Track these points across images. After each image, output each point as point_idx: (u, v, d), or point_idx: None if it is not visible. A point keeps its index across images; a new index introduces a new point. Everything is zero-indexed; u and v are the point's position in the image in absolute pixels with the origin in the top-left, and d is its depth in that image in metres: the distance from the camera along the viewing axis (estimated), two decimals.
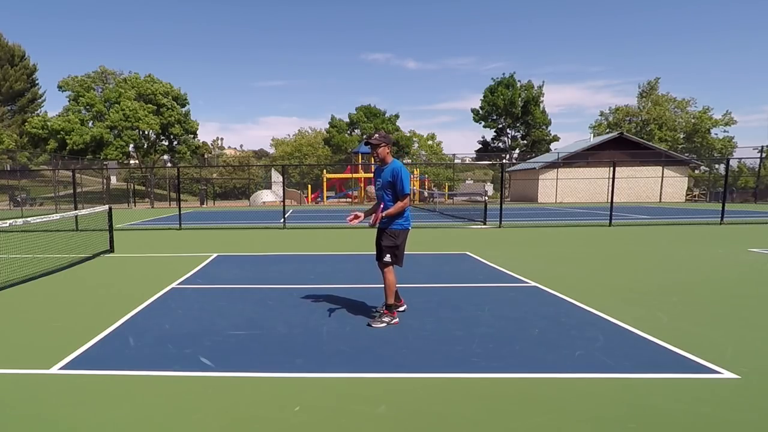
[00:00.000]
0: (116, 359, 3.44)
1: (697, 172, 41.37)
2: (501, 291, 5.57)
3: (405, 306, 4.60)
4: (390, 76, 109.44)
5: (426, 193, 32.00)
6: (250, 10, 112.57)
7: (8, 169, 37.66)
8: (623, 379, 3.02)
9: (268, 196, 33.20)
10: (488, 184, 45.76)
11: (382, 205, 4.16)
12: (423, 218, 17.80)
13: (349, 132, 53.70)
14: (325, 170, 37.20)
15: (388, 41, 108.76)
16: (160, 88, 43.56)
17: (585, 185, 32.03)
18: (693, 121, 47.96)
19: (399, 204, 4.13)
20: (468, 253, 8.50)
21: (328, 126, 54.59)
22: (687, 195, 33.87)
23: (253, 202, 33.18)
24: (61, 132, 38.82)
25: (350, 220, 4.22)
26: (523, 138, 52.23)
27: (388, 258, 4.18)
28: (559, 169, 33.33)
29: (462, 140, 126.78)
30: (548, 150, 48.10)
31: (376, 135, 4.21)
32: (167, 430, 2.49)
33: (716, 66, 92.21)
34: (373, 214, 4.15)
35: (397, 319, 4.29)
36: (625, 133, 36.97)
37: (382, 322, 4.18)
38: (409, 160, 50.83)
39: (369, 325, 4.18)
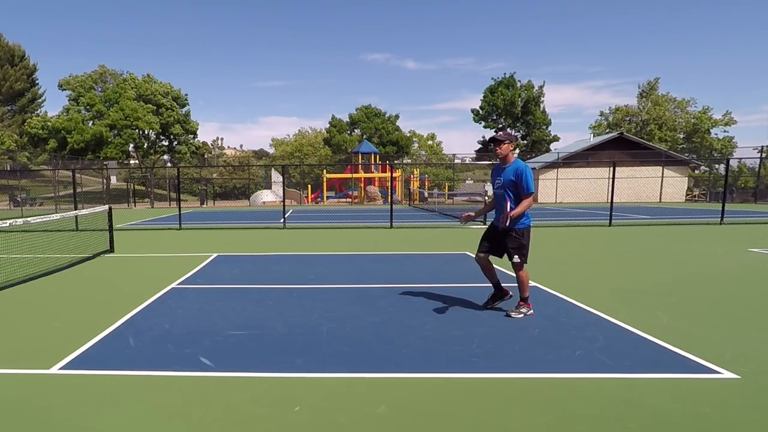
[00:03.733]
0: (116, 359, 3.44)
1: (697, 172, 41.37)
2: None
3: (510, 294, 4.68)
4: (389, 77, 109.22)
5: (426, 194, 32.00)
6: (250, 10, 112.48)
7: (8, 169, 37.63)
8: (623, 379, 3.02)
9: (268, 196, 33.20)
10: (488, 184, 45.74)
11: (509, 205, 4.17)
12: (423, 218, 17.80)
13: (349, 132, 53.71)
14: (325, 170, 37.21)
15: (387, 41, 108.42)
16: (159, 88, 43.61)
17: (585, 185, 32.02)
18: (693, 121, 47.98)
19: (524, 203, 4.19)
20: (468, 253, 8.49)
21: (328, 125, 54.63)
22: (687, 195, 33.87)
23: (253, 202, 33.18)
24: (62, 131, 38.85)
25: (465, 218, 4.65)
26: (523, 138, 52.25)
27: (517, 259, 4.30)
28: (559, 169, 33.33)
29: (462, 140, 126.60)
30: (548, 150, 48.12)
31: (501, 132, 4.37)
32: (167, 430, 2.49)
33: (716, 66, 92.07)
34: (502, 216, 4.18)
35: (533, 311, 4.46)
36: (625, 133, 36.97)
37: (520, 312, 4.40)
38: (409, 160, 50.86)
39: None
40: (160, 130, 43.60)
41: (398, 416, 2.59)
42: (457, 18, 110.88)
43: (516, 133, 52.32)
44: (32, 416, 2.65)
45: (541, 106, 50.92)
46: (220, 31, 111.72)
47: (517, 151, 49.93)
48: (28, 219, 6.28)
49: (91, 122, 41.60)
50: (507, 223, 4.10)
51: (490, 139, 4.40)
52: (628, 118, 50.54)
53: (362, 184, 34.31)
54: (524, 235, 4.31)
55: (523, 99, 49.81)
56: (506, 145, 4.30)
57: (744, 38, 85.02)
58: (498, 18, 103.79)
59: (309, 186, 39.74)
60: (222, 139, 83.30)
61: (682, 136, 48.99)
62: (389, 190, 18.04)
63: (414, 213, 21.72)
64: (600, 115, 54.35)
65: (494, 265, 7.34)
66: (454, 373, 3.14)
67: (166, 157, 45.58)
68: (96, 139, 39.22)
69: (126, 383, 3.05)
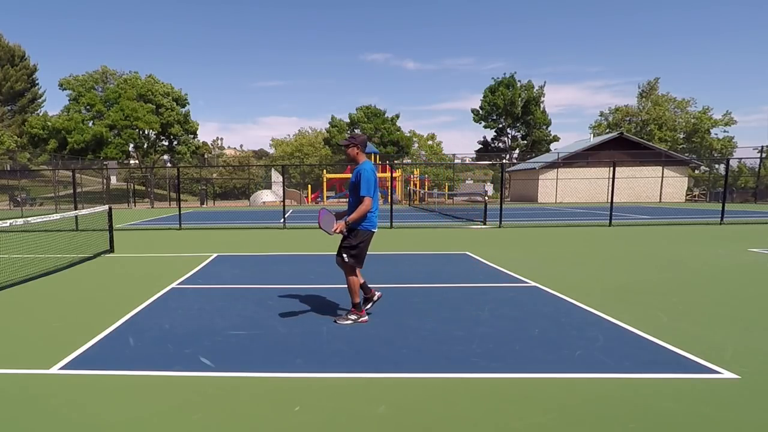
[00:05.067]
0: (116, 359, 3.44)
1: (697, 172, 41.36)
2: (501, 291, 5.57)
3: (379, 293, 4.60)
4: (389, 77, 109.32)
5: (418, 191, 32.04)
6: (250, 10, 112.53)
7: (8, 169, 37.63)
8: (623, 379, 3.02)
9: (268, 196, 33.19)
10: (488, 184, 45.78)
11: (344, 218, 4.12)
12: (423, 218, 17.80)
13: (349, 132, 53.71)
14: (325, 170, 37.19)
15: (387, 41, 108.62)
16: (160, 88, 43.59)
17: (585, 185, 32.02)
18: (693, 121, 47.95)
19: (360, 208, 4.03)
20: (468, 253, 8.50)
21: (328, 126, 54.64)
22: (687, 195, 33.86)
23: (253, 202, 33.17)
24: (62, 131, 38.84)
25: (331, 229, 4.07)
26: (523, 138, 52.23)
27: (345, 258, 4.17)
28: (559, 169, 33.32)
29: (462, 140, 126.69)
30: (548, 150, 48.09)
31: (347, 139, 4.32)
32: (167, 430, 2.49)
33: (716, 66, 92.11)
34: (336, 223, 4.07)
35: (366, 318, 4.32)
36: (625, 133, 36.96)
37: (348, 319, 4.25)
38: (409, 160, 50.85)
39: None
40: (160, 130, 43.59)
41: (398, 416, 2.59)
42: (457, 18, 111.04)
43: (517, 133, 52.21)
44: (32, 416, 2.65)
45: (541, 106, 50.88)
46: (220, 31, 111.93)
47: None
48: (28, 219, 6.28)
49: (91, 122, 41.59)
50: (341, 231, 4.01)
51: (337, 144, 4.43)
52: (628, 118, 50.50)
53: None
54: (358, 236, 4.14)
55: (524, 99, 49.77)
56: (351, 148, 4.23)
57: (744, 38, 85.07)
58: (498, 18, 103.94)
59: (309, 186, 39.72)
60: (222, 139, 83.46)
61: (682, 136, 48.95)
62: (389, 190, 18.03)
63: (414, 213, 21.72)
64: (600, 115, 54.36)
65: (498, 267, 7.33)
66: (454, 373, 3.13)
67: (166, 157, 45.55)
68: (96, 139, 39.21)
69: (126, 383, 3.05)
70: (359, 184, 4.06)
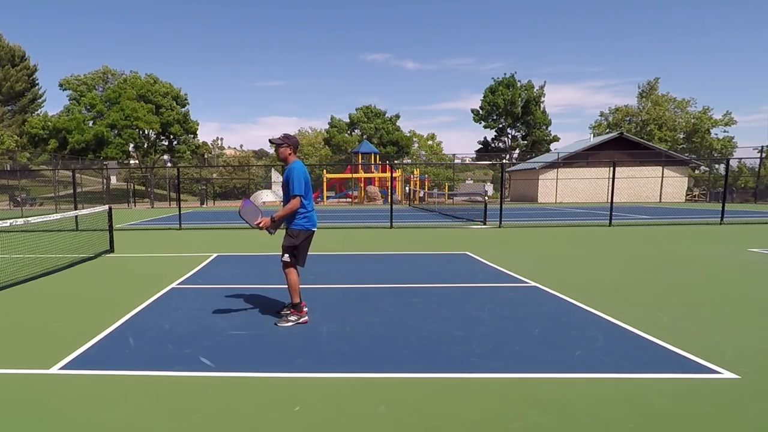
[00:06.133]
0: (116, 359, 3.44)
1: (697, 172, 41.36)
2: (501, 291, 5.57)
3: (306, 317, 4.31)
4: (389, 77, 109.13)
5: (422, 194, 32.04)
6: (250, 10, 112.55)
7: (8, 169, 37.64)
8: (623, 379, 3.02)
9: (268, 196, 33.19)
10: (488, 184, 45.77)
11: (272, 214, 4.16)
12: (423, 218, 17.80)
13: (349, 132, 53.74)
14: (325, 170, 37.19)
15: (387, 41, 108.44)
16: (160, 88, 43.62)
17: (585, 185, 32.01)
18: (693, 121, 47.96)
19: (287, 206, 4.10)
20: (468, 253, 8.50)
21: (328, 126, 54.66)
22: (687, 195, 33.86)
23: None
24: (63, 131, 38.85)
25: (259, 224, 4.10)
26: (523, 138, 52.23)
27: (286, 257, 4.20)
28: (559, 169, 33.31)
29: (462, 140, 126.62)
30: (548, 150, 48.09)
31: (279, 136, 4.29)
32: (167, 430, 2.49)
33: (716, 66, 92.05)
34: (261, 217, 4.11)
35: (307, 318, 4.29)
36: (625, 133, 36.96)
37: (289, 320, 4.22)
38: (409, 160, 50.86)
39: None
40: (160, 130, 43.61)
41: (398, 416, 2.59)
42: (457, 18, 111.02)
43: (517, 133, 52.17)
44: (32, 416, 2.65)
45: (541, 106, 50.89)
46: (220, 31, 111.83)
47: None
48: (28, 219, 6.28)
49: (91, 122, 41.61)
50: (264, 227, 4.04)
51: (269, 141, 4.33)
52: (628, 118, 50.51)
53: (362, 184, 34.30)
54: (298, 236, 4.19)
55: (524, 99, 49.77)
56: (283, 148, 4.23)
57: (744, 38, 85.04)
58: (498, 18, 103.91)
59: None
60: (222, 139, 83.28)
61: (682, 136, 48.97)
62: (389, 190, 18.03)
63: (414, 213, 21.72)
64: (600, 115, 54.38)
65: (498, 267, 7.32)
66: (454, 373, 3.14)
67: (166, 156, 45.54)
68: (96, 139, 39.23)
69: (126, 383, 3.05)
70: (289, 182, 4.12)
